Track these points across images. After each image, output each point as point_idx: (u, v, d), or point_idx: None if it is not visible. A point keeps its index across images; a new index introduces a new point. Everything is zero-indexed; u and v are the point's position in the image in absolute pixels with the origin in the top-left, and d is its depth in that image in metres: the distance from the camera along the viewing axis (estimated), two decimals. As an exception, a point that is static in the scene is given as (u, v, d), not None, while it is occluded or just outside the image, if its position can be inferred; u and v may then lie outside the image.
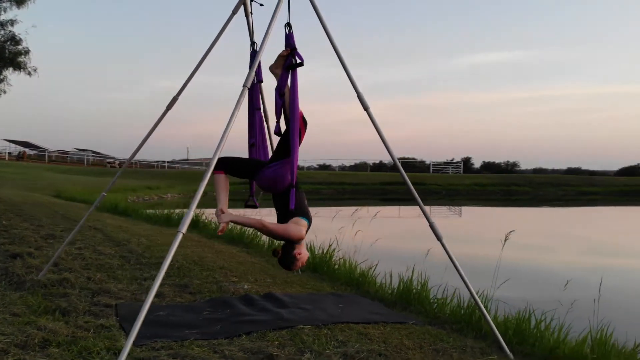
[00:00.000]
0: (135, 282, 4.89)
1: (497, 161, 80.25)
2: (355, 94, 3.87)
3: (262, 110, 4.67)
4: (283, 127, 4.19)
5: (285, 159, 4.04)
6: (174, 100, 4.69)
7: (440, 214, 21.98)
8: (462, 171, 51.86)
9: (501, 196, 37.88)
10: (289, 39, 4.03)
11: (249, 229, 7.83)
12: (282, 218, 4.09)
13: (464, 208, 27.29)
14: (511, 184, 42.97)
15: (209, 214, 10.77)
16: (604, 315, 4.07)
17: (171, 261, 5.57)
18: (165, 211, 10.97)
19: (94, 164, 51.53)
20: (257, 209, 4.77)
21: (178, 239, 3.07)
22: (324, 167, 58.82)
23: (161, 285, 4.77)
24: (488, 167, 76.68)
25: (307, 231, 4.09)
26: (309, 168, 52.16)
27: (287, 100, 4.04)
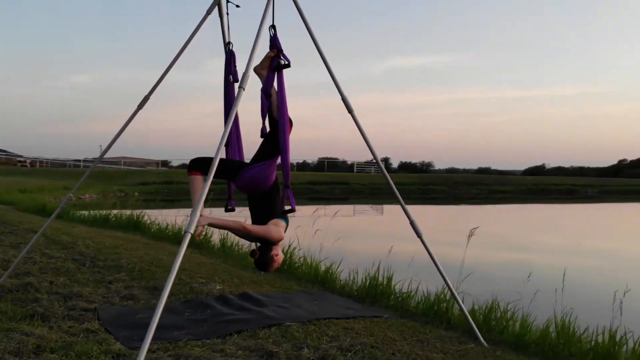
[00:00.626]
0: (102, 286, 4.76)
1: (413, 161, 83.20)
2: (340, 97, 3.99)
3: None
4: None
5: (270, 159, 4.08)
6: (146, 99, 4.62)
7: (365, 212, 22.54)
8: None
9: (420, 195, 39.41)
10: (274, 40, 4.09)
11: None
12: (259, 219, 4.12)
13: (386, 206, 28.16)
14: (429, 183, 44.79)
15: (150, 214, 10.53)
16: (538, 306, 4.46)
17: (130, 263, 5.53)
18: (104, 212, 10.58)
19: (2, 163, 48.23)
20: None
21: (187, 239, 3.08)
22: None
23: (130, 287, 4.73)
24: (405, 167, 79.40)
25: (284, 232, 4.17)
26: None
27: (273, 101, 4.09)
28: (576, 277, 7.42)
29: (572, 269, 4.87)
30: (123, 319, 3.81)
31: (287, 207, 4.10)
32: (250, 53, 3.65)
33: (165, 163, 59.38)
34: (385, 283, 5.22)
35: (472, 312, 4.38)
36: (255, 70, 4.19)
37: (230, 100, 4.57)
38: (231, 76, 4.55)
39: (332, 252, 6.65)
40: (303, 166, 58.70)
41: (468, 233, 4.76)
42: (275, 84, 4.11)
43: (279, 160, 4.12)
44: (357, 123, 4.03)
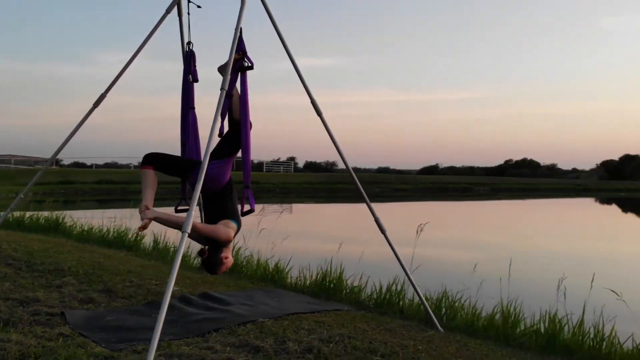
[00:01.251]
0: (53, 290, 4.57)
1: (318, 161, 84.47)
2: (310, 100, 4.16)
3: (195, 110, 4.70)
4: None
5: (225, 158, 4.14)
6: (102, 97, 4.55)
7: (276, 211, 22.60)
8: (292, 170, 53.76)
9: (328, 193, 40.30)
10: (240, 42, 4.16)
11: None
12: (211, 219, 4.14)
13: (297, 205, 28.57)
14: (336, 182, 45.77)
15: (71, 216, 10.05)
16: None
17: (71, 267, 5.34)
18: (17, 214, 9.91)
19: None
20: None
21: (184, 239, 3.11)
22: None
23: (84, 291, 4.61)
24: (310, 166, 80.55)
25: (235, 235, 4.19)
26: (137, 167, 49.58)
27: (234, 101, 4.17)
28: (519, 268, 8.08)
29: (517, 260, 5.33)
30: (92, 322, 3.73)
31: (246, 208, 4.19)
32: (229, 54, 3.72)
33: (57, 162, 55.84)
34: (337, 278, 5.43)
35: (429, 300, 4.72)
36: (220, 70, 4.25)
37: (188, 99, 4.59)
38: (190, 76, 4.57)
39: (269, 251, 6.76)
40: None
41: (417, 229, 5.10)
42: (237, 85, 4.19)
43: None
44: (327, 126, 4.21)
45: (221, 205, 4.13)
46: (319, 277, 5.54)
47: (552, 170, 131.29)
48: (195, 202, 3.88)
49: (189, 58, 4.59)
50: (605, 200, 43.23)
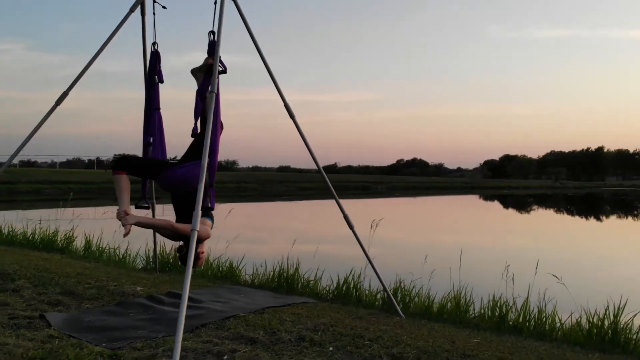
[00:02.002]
0: (13, 294, 4.40)
1: (219, 160, 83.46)
2: (283, 103, 4.36)
3: (160, 110, 4.73)
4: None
5: (198, 160, 4.22)
6: (65, 94, 4.47)
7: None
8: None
9: (234, 192, 40.02)
10: (213, 46, 4.25)
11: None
12: (185, 218, 4.16)
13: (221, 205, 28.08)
14: (241, 182, 45.62)
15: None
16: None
17: (14, 270, 5.13)
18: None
19: None
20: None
21: (194, 238, 3.20)
22: (27, 164, 52.04)
23: (45, 294, 4.49)
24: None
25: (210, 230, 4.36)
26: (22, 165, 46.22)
27: (208, 103, 4.26)
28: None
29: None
30: (74, 324, 3.69)
31: (206, 205, 4.28)
32: (214, 59, 3.82)
33: None
34: (293, 273, 5.66)
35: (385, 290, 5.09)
36: (193, 72, 4.33)
37: (153, 100, 4.60)
38: (156, 77, 4.59)
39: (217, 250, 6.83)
40: (94, 163, 54.30)
41: (371, 223, 5.46)
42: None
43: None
44: (299, 128, 4.43)
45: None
46: (275, 273, 5.73)
47: (439, 169, 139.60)
48: (201, 203, 3.93)
49: (154, 58, 4.60)
50: (494, 196, 46.83)
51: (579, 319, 4.37)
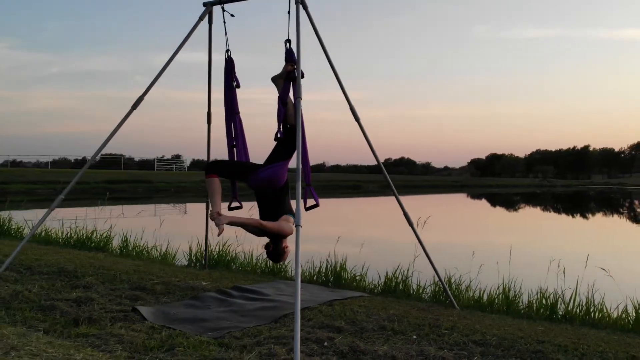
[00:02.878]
0: (87, 290, 4.59)
1: (205, 159, 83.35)
2: (349, 107, 4.59)
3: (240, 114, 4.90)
4: None
5: (283, 161, 4.44)
6: (140, 99, 4.67)
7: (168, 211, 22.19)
8: (186, 169, 52.53)
9: (225, 192, 40.06)
10: (290, 53, 4.47)
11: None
12: (270, 215, 4.41)
13: (189, 205, 27.93)
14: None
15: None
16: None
17: (77, 269, 5.30)
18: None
19: None
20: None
21: (299, 233, 3.41)
22: (13, 164, 51.17)
23: (118, 289, 4.67)
24: (197, 164, 78.94)
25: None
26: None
27: (289, 108, 4.46)
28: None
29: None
30: (164, 316, 3.90)
31: (310, 204, 4.55)
32: (296, 66, 4.03)
33: None
34: (340, 269, 5.91)
35: (434, 284, 5.35)
36: (273, 79, 4.54)
37: (233, 105, 4.80)
38: (234, 82, 4.79)
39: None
40: (82, 163, 53.08)
41: (418, 221, 5.71)
42: (291, 93, 4.50)
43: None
44: (364, 131, 4.67)
45: (279, 202, 4.43)
46: (323, 268, 5.97)
47: (427, 168, 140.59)
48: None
49: (229, 65, 4.80)
50: (488, 194, 47.41)
51: (625, 308, 4.68)
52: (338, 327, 3.75)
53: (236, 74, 4.78)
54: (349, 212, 25.49)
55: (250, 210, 5.15)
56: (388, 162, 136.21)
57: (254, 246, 6.85)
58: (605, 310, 4.75)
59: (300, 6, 4.26)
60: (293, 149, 4.42)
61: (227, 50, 4.84)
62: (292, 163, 4.43)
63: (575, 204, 38.71)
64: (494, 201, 39.76)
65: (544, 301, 4.97)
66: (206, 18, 4.88)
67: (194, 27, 4.76)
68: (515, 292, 5.21)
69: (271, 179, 4.39)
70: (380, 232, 14.82)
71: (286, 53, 4.49)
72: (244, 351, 3.15)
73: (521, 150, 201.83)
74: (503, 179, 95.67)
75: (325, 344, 3.35)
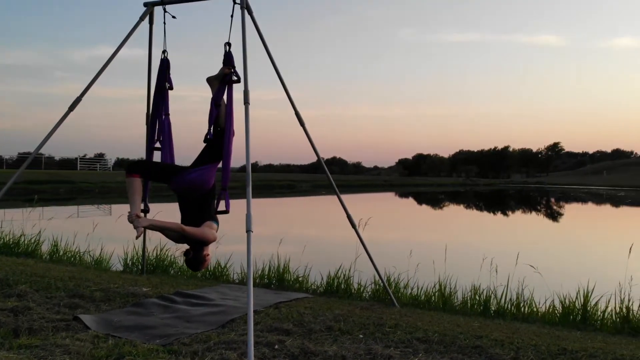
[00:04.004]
0: (22, 299, 4.39)
1: (130, 158, 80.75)
2: (294, 112, 4.65)
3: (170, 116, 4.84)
4: None
5: (212, 163, 4.38)
6: (77, 100, 4.53)
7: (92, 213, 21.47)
8: (111, 168, 50.68)
9: (153, 192, 38.96)
10: (229, 57, 4.46)
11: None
12: (192, 220, 4.30)
13: (114, 206, 26.84)
14: (162, 181, 44.53)
15: None
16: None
17: (7, 277, 5.10)
18: None
19: None
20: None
21: (250, 238, 3.43)
22: None
23: (55, 297, 4.52)
24: (122, 163, 76.34)
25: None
26: None
27: (222, 110, 4.45)
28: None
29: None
30: (107, 324, 3.81)
31: (221, 209, 4.47)
32: (243, 71, 4.04)
33: None
34: (282, 270, 5.96)
35: (375, 283, 5.51)
36: (208, 80, 4.51)
37: (163, 106, 4.73)
38: (167, 83, 4.73)
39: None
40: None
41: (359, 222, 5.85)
42: (225, 96, 4.49)
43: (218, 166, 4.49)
44: (308, 135, 4.73)
45: (203, 207, 4.33)
46: (264, 270, 6.00)
47: (357, 167, 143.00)
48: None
49: (165, 66, 4.73)
50: (415, 193, 48.77)
51: (552, 303, 5.02)
52: (286, 329, 3.80)
53: (170, 75, 4.72)
54: (288, 212, 25.51)
55: (157, 214, 5.01)
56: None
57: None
58: (534, 306, 5.07)
59: (245, 11, 4.27)
60: (222, 152, 4.39)
61: (164, 51, 4.76)
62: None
63: (499, 202, 40.62)
64: (425, 199, 41.07)
65: (477, 298, 5.23)
66: (147, 18, 4.79)
67: (134, 27, 4.66)
68: (450, 289, 5.45)
69: (198, 182, 4.26)
70: (320, 231, 15.00)
71: (225, 56, 4.47)
72: (195, 357, 3.14)
73: (445, 150, 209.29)
74: (429, 178, 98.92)
75: (276, 347, 3.39)
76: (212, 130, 4.42)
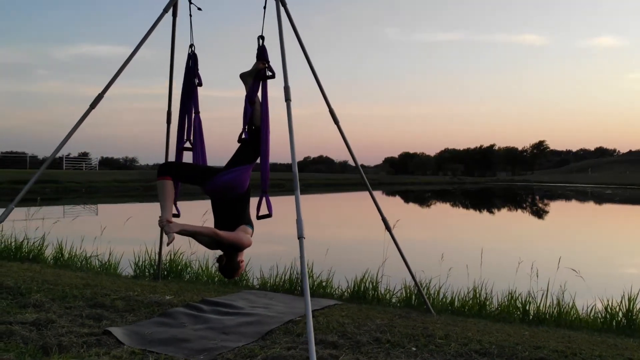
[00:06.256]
0: (39, 310, 4.09)
1: (115, 157, 79.78)
2: (328, 109, 4.40)
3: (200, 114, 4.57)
4: None
5: (247, 165, 4.12)
6: (99, 97, 4.24)
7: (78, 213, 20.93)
8: (97, 167, 49.90)
9: (141, 192, 38.35)
10: (262, 51, 4.20)
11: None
12: (225, 224, 4.06)
13: (101, 206, 26.24)
14: (151, 180, 43.90)
15: None
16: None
17: (18, 284, 4.80)
18: None
19: None
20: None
21: (303, 245, 3.19)
22: None
23: (74, 307, 4.22)
24: (106, 162, 75.26)
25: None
26: None
27: (256, 108, 4.19)
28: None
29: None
30: (139, 338, 3.54)
31: (262, 213, 4.22)
32: (282, 66, 3.78)
33: None
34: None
35: (407, 290, 5.28)
36: (242, 76, 4.25)
37: (193, 104, 4.47)
38: (196, 79, 4.47)
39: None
40: None
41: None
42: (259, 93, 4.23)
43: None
44: (342, 134, 4.49)
45: (238, 210, 4.08)
46: (285, 275, 5.75)
47: (344, 166, 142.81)
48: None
49: (193, 61, 4.46)
50: (404, 191, 48.70)
51: (595, 307, 4.84)
52: (332, 342, 3.56)
53: (198, 71, 4.45)
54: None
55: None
56: (307, 161, 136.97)
57: (209, 253, 6.51)
58: (575, 311, 4.88)
59: (280, 4, 4.03)
60: (258, 152, 4.14)
61: (191, 45, 4.47)
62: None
63: (489, 199, 40.68)
64: (425, 198, 40.98)
65: (513, 303, 5.03)
66: (170, 10, 4.50)
67: (158, 19, 4.36)
68: (486, 294, 5.24)
69: (233, 185, 4.00)
70: (337, 232, 14.74)
71: (258, 50, 4.20)
72: (247, 376, 2.89)
73: (431, 149, 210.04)
74: (417, 177, 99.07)
75: (331, 362, 3.15)
76: (247, 130, 4.16)
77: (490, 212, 28.55)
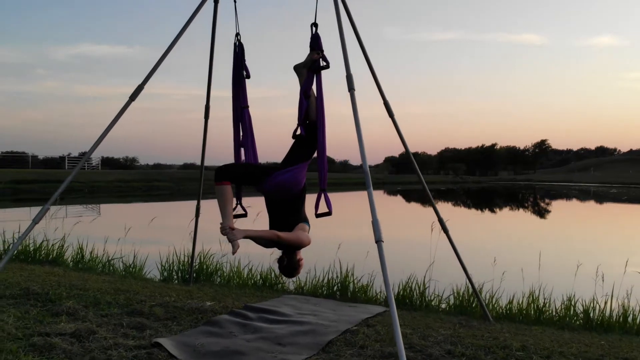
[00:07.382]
0: (75, 318, 3.78)
1: (116, 156, 79.44)
2: (382, 101, 4.10)
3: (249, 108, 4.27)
4: None
5: (303, 162, 3.86)
6: (139, 89, 3.94)
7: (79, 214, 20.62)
8: (100, 167, 49.56)
9: (144, 192, 38.03)
10: (316, 39, 3.90)
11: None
12: (282, 224, 3.86)
13: (103, 206, 25.89)
14: (153, 180, 43.56)
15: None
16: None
17: (46, 290, 4.48)
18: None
19: None
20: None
21: (382, 248, 2.88)
22: None
23: (112, 316, 3.92)
24: (107, 162, 74.90)
25: None
26: None
27: (312, 102, 3.89)
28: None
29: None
30: (190, 350, 3.24)
31: (322, 211, 3.97)
32: (343, 54, 3.47)
33: None
34: (345, 278, 5.42)
35: (458, 295, 4.97)
36: (296, 68, 3.95)
37: (242, 97, 4.17)
38: (244, 72, 4.17)
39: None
40: None
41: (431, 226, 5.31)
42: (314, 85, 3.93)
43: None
44: (398, 128, 4.18)
45: (295, 209, 3.87)
46: (323, 279, 5.45)
47: (345, 165, 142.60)
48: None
49: (240, 52, 4.16)
50: (412, 191, 48.39)
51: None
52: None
53: (246, 62, 4.15)
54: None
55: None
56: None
57: (239, 255, 6.20)
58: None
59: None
60: (314, 149, 3.85)
61: (237, 35, 4.17)
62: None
63: (510, 199, 40.28)
64: (429, 198, 40.52)
65: (573, 308, 4.73)
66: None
67: (199, 6, 4.06)
68: (544, 299, 4.93)
69: (289, 184, 3.77)
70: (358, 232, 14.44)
71: (311, 39, 3.90)
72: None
73: (433, 148, 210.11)
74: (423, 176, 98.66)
75: (412, 380, 2.85)
76: (302, 125, 3.86)
77: (525, 211, 28.06)
